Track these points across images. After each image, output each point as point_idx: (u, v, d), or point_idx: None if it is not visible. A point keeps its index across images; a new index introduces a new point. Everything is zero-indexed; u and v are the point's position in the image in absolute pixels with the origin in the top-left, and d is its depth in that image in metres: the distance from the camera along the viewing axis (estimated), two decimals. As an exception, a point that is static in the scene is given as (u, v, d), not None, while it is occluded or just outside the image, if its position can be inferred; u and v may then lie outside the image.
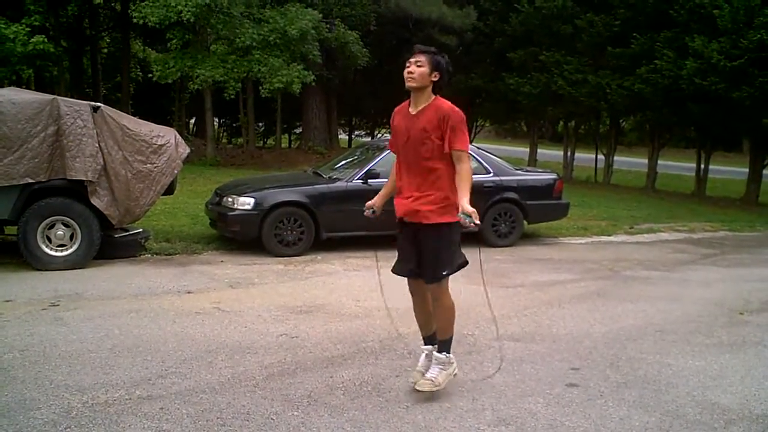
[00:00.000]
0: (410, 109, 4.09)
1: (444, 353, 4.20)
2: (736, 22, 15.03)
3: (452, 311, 4.18)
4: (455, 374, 4.28)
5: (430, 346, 4.29)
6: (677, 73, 16.23)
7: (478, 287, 7.17)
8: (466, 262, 4.17)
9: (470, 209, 3.72)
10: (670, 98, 17.41)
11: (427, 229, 4.02)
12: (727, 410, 4.17)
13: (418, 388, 4.12)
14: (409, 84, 4.00)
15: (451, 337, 4.22)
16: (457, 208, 3.85)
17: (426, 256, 4.06)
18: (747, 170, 19.21)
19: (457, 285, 7.22)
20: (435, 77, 3.98)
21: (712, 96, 15.87)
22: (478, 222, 3.71)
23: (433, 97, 4.04)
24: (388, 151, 9.29)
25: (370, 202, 4.36)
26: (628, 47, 18.06)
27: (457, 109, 3.99)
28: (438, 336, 4.24)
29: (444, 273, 4.04)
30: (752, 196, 18.28)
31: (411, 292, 4.29)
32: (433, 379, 4.14)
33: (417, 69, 3.97)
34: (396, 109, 4.26)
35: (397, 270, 4.27)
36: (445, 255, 4.04)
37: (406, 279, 4.28)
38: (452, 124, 3.92)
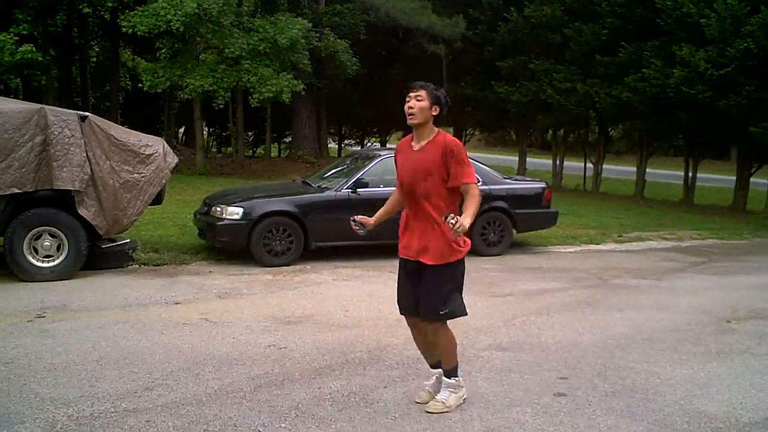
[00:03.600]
0: (413, 144, 4.07)
1: (453, 378, 4.20)
2: (723, 31, 15.14)
3: (452, 344, 4.15)
4: (465, 399, 4.25)
5: (440, 370, 4.27)
6: (665, 82, 16.32)
7: (465, 296, 7.19)
8: (465, 313, 4.13)
9: (465, 223, 3.65)
10: (658, 107, 17.52)
11: (429, 269, 3.99)
12: (714, 418, 4.18)
13: (428, 409, 4.11)
14: (410, 121, 3.98)
15: (457, 365, 4.21)
16: (460, 245, 3.95)
17: (425, 292, 4.01)
18: (735, 178, 19.33)
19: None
20: (435, 111, 3.97)
21: (699, 104, 15.98)
22: (458, 236, 3.70)
23: (436, 131, 4.02)
24: (378, 160, 9.39)
25: (365, 220, 4.23)
26: (617, 56, 18.18)
27: (457, 141, 4.01)
28: (443, 366, 4.21)
29: (442, 312, 3.99)
30: (740, 204, 18.37)
31: (409, 326, 4.29)
32: (444, 400, 4.14)
33: (417, 104, 3.95)
34: (398, 144, 4.26)
35: (402, 311, 4.25)
36: (445, 293, 4.00)
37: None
38: (456, 158, 3.91)
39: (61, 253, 7.49)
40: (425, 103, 3.95)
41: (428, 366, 4.37)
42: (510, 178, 11.01)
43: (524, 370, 4.95)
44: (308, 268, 8.56)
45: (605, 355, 5.37)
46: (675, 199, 20.13)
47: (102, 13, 21.96)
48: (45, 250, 7.44)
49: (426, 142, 4.00)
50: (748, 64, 14.88)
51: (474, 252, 9.63)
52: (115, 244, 8.23)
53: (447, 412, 4.09)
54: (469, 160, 4.06)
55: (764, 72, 14.94)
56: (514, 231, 10.23)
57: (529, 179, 12.41)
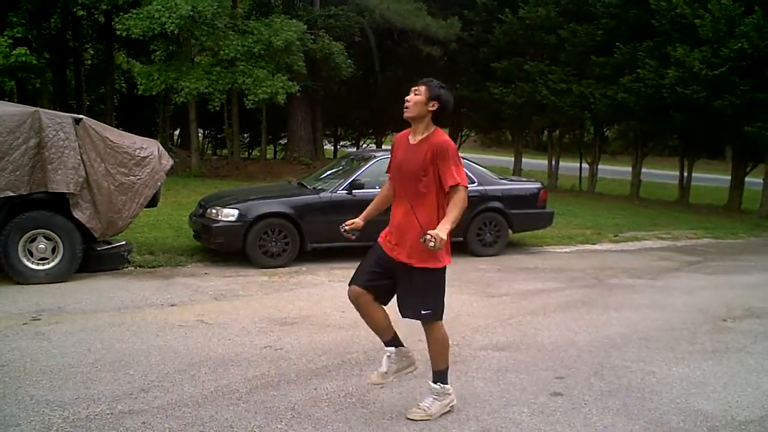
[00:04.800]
0: (410, 138, 4.03)
1: (439, 383, 4.08)
2: (717, 31, 15.17)
3: (445, 343, 4.08)
4: (452, 406, 4.12)
5: (393, 348, 4.13)
6: (660, 82, 16.35)
7: (461, 296, 7.21)
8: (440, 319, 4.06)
9: (441, 236, 3.60)
10: (652, 107, 17.54)
11: (413, 271, 3.93)
12: (710, 417, 4.18)
13: (409, 416, 4.02)
14: (405, 114, 3.96)
15: (447, 368, 4.12)
16: (445, 250, 3.87)
17: (411, 293, 3.96)
18: (729, 178, 19.36)
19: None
20: (432, 107, 3.91)
21: (694, 105, 16.00)
22: (440, 249, 3.64)
23: (434, 128, 3.97)
24: (373, 161, 9.39)
25: (355, 225, 4.28)
26: (611, 57, 18.19)
27: (448, 141, 3.93)
28: (432, 366, 4.12)
29: (424, 312, 3.94)
30: (735, 204, 18.40)
31: (352, 301, 4.14)
32: (426, 408, 4.03)
33: (414, 98, 3.93)
34: (397, 136, 4.21)
35: (353, 281, 4.13)
36: (432, 296, 3.96)
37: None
38: (443, 158, 3.84)
39: (56, 256, 7.47)
40: (421, 98, 3.91)
41: (382, 343, 4.22)
42: (505, 179, 11.03)
43: (520, 370, 4.95)
44: (304, 270, 8.55)
45: (601, 355, 5.37)
46: (670, 199, 20.16)
47: (96, 15, 21.93)
48: (40, 253, 7.41)
49: (422, 137, 3.96)
50: (742, 64, 14.90)
51: (470, 252, 9.73)
52: (110, 246, 8.19)
53: (428, 419, 3.99)
54: (460, 160, 3.96)
55: (758, 72, 14.98)
56: (510, 231, 10.23)
57: (524, 180, 12.43)
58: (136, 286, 7.40)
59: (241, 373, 4.75)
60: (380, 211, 4.35)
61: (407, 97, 3.97)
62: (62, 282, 7.41)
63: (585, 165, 22.52)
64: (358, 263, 4.25)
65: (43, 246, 7.42)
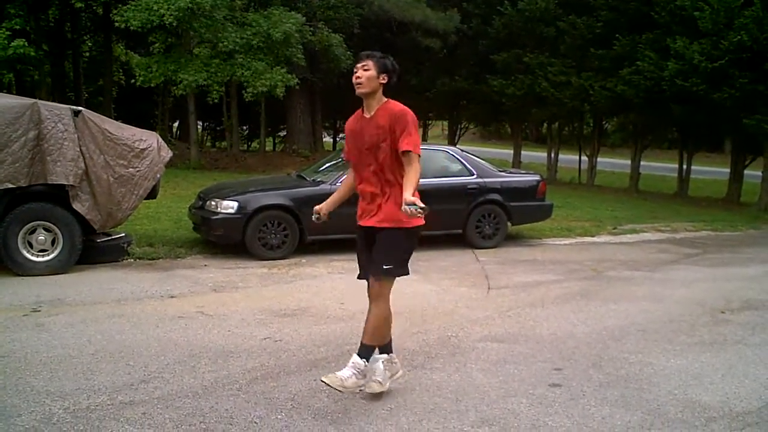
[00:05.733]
0: (364, 114, 4.10)
1: (363, 359, 4.07)
2: (717, 23, 15.16)
3: (385, 320, 4.11)
4: (360, 390, 4.14)
5: (386, 355, 4.24)
6: (659, 75, 16.36)
7: (461, 288, 7.23)
8: (407, 272, 4.11)
9: (411, 198, 3.62)
10: (652, 99, 17.55)
11: (381, 231, 4.03)
12: (707, 408, 4.20)
13: (323, 378, 3.97)
14: (359, 90, 4.01)
15: (374, 348, 4.14)
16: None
17: (375, 251, 4.06)
18: (729, 170, 19.39)
19: (442, 287, 7.25)
20: (383, 79, 4.00)
21: (693, 97, 16.00)
22: (423, 206, 3.57)
23: (385, 99, 4.06)
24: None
25: (317, 209, 4.39)
26: (611, 49, 18.21)
27: (408, 110, 4.00)
28: (363, 339, 4.12)
29: (386, 267, 3.98)
30: (734, 196, 18.44)
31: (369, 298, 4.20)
32: (342, 378, 3.97)
33: (364, 73, 3.98)
34: (349, 119, 4.28)
35: (360, 275, 4.31)
36: (394, 254, 4.02)
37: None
38: (402, 124, 3.92)
39: (56, 248, 7.48)
40: (372, 72, 3.98)
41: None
42: (505, 171, 11.04)
43: (519, 362, 4.97)
44: (303, 262, 8.57)
45: (599, 346, 5.39)
46: (669, 192, 20.19)
47: (95, 7, 21.89)
48: (40, 245, 7.42)
49: (375, 109, 4.03)
50: (741, 56, 14.90)
51: (469, 244, 9.75)
52: (110, 238, 8.21)
53: (339, 391, 3.98)
54: (417, 129, 4.02)
55: (758, 65, 14.97)
56: (509, 224, 10.25)
57: (523, 172, 12.43)
58: (136, 278, 7.42)
59: (241, 364, 4.77)
60: (343, 200, 4.42)
61: (357, 74, 4.00)
62: (62, 274, 7.42)
63: (584, 157, 22.54)
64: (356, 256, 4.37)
65: (43, 238, 7.43)
